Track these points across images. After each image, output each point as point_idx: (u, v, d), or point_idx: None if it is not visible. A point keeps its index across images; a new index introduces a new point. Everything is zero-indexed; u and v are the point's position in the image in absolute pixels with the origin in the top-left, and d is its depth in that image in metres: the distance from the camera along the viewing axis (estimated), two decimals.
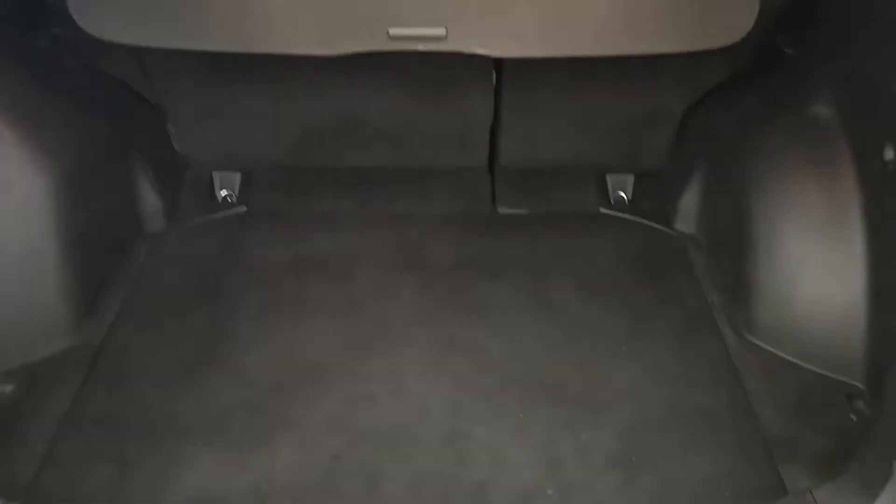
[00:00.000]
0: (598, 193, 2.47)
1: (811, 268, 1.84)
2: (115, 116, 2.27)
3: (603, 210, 2.42)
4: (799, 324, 1.85)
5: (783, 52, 2.15)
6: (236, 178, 2.48)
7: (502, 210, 2.44)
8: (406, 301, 2.07)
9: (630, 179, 2.47)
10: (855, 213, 1.77)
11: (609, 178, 2.48)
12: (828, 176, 1.84)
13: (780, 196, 1.91)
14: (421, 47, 1.92)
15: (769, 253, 1.90)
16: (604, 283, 2.13)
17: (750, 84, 2.24)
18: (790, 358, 1.86)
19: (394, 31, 1.90)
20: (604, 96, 2.38)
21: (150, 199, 2.29)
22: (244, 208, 2.41)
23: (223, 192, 2.46)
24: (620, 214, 2.40)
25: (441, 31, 1.90)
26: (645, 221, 2.36)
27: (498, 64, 2.29)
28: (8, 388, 1.77)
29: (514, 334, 1.97)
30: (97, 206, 2.05)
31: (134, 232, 2.25)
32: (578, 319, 2.01)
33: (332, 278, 2.14)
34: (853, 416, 1.71)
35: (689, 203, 2.29)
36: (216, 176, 2.46)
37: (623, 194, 2.46)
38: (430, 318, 2.02)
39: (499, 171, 2.54)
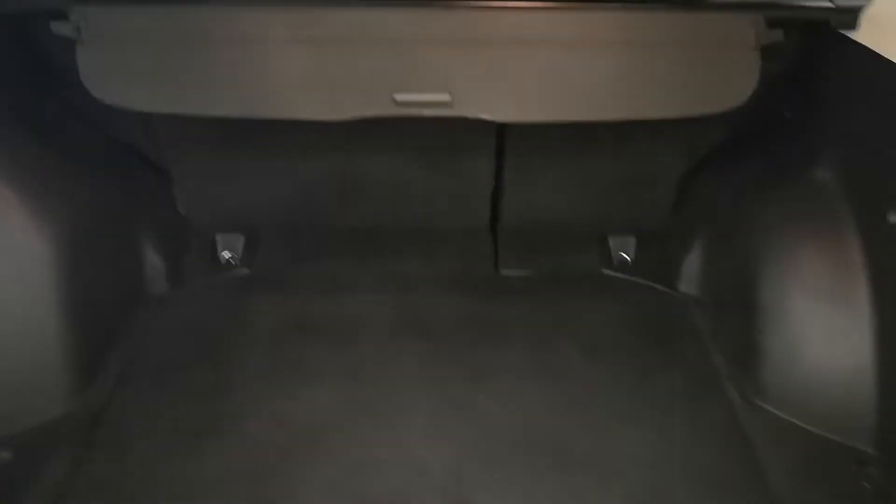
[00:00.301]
0: (601, 254, 2.47)
1: (818, 332, 1.83)
2: (120, 180, 2.29)
3: (605, 271, 2.42)
4: (807, 388, 1.84)
5: (782, 116, 2.17)
6: (239, 239, 2.47)
7: (504, 271, 2.43)
8: (408, 365, 2.06)
9: (632, 240, 2.47)
10: (861, 278, 1.77)
11: (611, 240, 2.48)
12: (832, 241, 1.84)
13: (786, 261, 1.91)
14: (426, 113, 1.94)
15: (776, 317, 1.89)
16: (608, 346, 2.12)
17: (750, 147, 2.27)
18: (799, 422, 1.84)
19: (399, 96, 1.92)
20: (605, 158, 2.39)
21: (153, 263, 2.29)
22: (247, 271, 2.41)
23: (226, 255, 2.45)
24: (623, 276, 2.40)
25: (446, 97, 1.92)
26: (648, 283, 2.35)
27: (500, 125, 2.31)
28: (4, 455, 1.74)
29: (517, 398, 1.95)
30: (100, 270, 2.05)
31: (136, 295, 2.24)
32: (583, 383, 2.00)
33: (333, 341, 2.13)
34: (866, 484, 1.68)
35: (692, 265, 2.29)
36: (219, 238, 2.47)
37: (625, 255, 2.46)
38: (433, 382, 2.00)
39: (501, 231, 2.54)
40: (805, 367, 1.84)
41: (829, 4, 1.87)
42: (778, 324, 1.89)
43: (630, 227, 2.49)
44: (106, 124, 2.25)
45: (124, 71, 1.94)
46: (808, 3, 1.93)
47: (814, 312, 1.85)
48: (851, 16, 1.86)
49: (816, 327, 1.84)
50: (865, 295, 1.76)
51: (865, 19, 1.87)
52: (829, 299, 1.82)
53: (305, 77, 1.93)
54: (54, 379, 1.88)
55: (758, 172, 2.19)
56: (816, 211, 1.91)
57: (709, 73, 1.94)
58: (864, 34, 1.87)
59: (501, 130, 2.33)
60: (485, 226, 2.55)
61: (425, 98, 1.93)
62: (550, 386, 1.98)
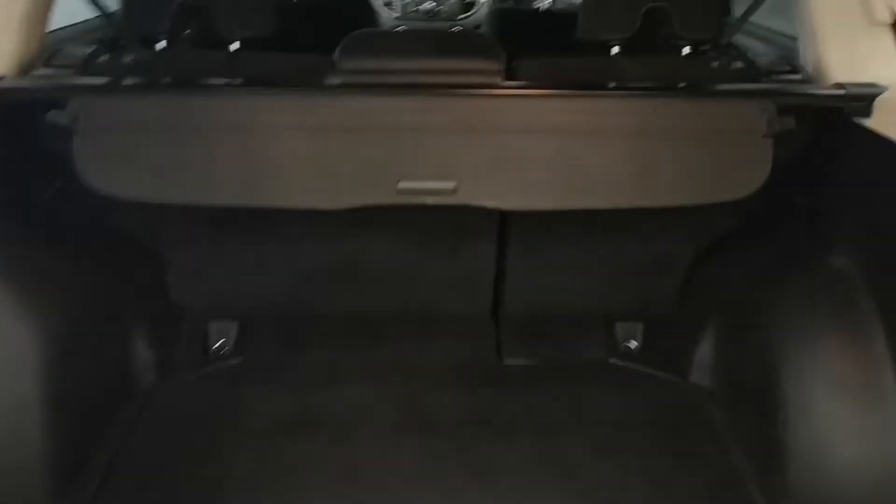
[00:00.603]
0: (607, 341, 2.38)
1: (846, 430, 1.74)
2: (112, 269, 2.20)
3: (612, 360, 2.33)
4: (836, 489, 1.73)
5: (794, 202, 2.12)
6: (233, 327, 2.38)
7: (508, 360, 2.34)
8: (408, 463, 1.95)
9: (639, 328, 2.40)
10: (888, 371, 1.69)
11: (617, 326, 2.40)
12: (856, 333, 1.76)
13: (808, 354, 1.83)
14: (430, 201, 1.88)
15: (801, 415, 1.80)
16: (619, 442, 2.01)
17: (761, 232, 2.20)
18: None
19: (402, 184, 1.86)
20: (611, 243, 2.33)
21: (142, 355, 2.19)
22: (239, 360, 2.31)
23: (218, 343, 2.36)
24: (631, 365, 2.31)
25: (450, 185, 1.86)
26: (657, 373, 2.26)
27: (503, 210, 2.25)
28: None
29: (524, 500, 1.84)
30: (87, 365, 1.95)
31: (124, 389, 2.13)
32: (594, 483, 1.89)
33: (330, 437, 2.02)
34: None
35: (704, 354, 2.20)
36: (212, 326, 2.37)
37: (633, 343, 2.38)
38: (434, 482, 1.89)
39: (503, 318, 2.45)
40: (833, 466, 1.74)
41: (842, 92, 1.83)
42: (803, 420, 1.79)
43: (637, 313, 2.41)
44: (101, 211, 2.18)
45: (121, 161, 1.88)
46: (820, 91, 1.89)
47: (840, 408, 1.75)
48: (865, 103, 1.82)
49: (844, 424, 1.74)
50: (894, 390, 1.68)
51: (879, 106, 1.83)
52: (856, 394, 1.74)
53: (306, 165, 1.88)
54: (34, 480, 1.75)
55: (771, 260, 2.12)
56: (837, 301, 1.83)
57: (720, 162, 1.89)
58: (878, 121, 1.83)
59: (504, 214, 2.27)
60: (487, 312, 2.47)
61: (429, 186, 1.88)
62: (560, 486, 1.87)
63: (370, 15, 3.42)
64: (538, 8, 4.28)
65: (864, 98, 1.82)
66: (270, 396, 2.17)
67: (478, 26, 4.22)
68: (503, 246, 2.32)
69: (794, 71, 2.00)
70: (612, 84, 1.96)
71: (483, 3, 4.30)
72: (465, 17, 4.33)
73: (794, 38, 2.10)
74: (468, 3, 4.35)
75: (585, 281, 2.40)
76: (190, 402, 2.16)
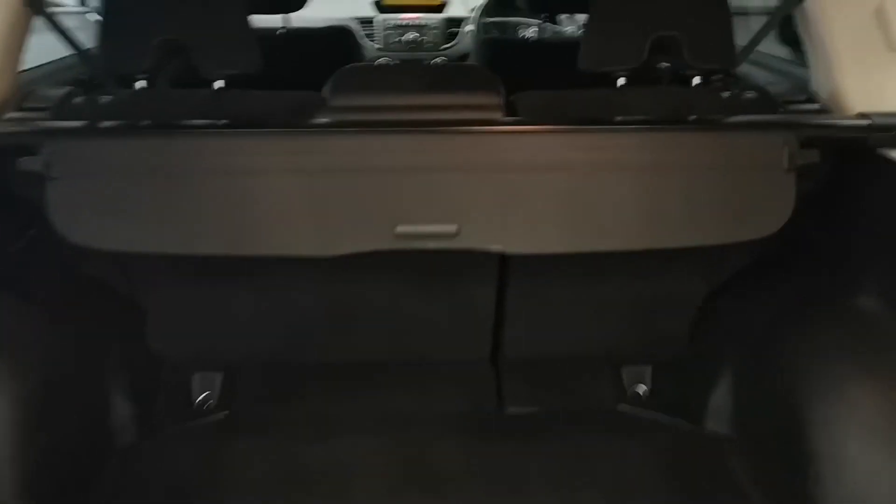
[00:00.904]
0: (614, 386, 2.26)
1: (883, 483, 1.62)
2: (88, 321, 2.06)
3: (621, 406, 2.21)
4: None
5: (813, 237, 2.02)
6: (217, 378, 2.24)
7: (510, 409, 2.21)
8: None
9: (647, 371, 2.28)
10: None
11: (625, 370, 2.28)
12: (888, 377, 1.65)
13: (837, 400, 1.71)
14: (431, 246, 1.77)
15: (834, 468, 1.68)
16: (633, 497, 1.89)
17: (778, 269, 2.10)
18: None
19: (401, 228, 1.75)
20: (616, 281, 2.21)
21: (121, 410, 2.04)
22: (225, 413, 2.17)
23: (202, 396, 2.22)
24: (642, 412, 2.19)
25: (452, 228, 1.75)
26: (670, 419, 2.14)
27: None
28: None
29: None
30: (63, 425, 1.81)
31: (101, 449, 1.98)
32: None
33: (324, 496, 1.88)
34: None
35: (721, 400, 2.07)
36: (195, 377, 2.23)
37: (642, 387, 2.26)
38: None
39: (503, 363, 2.33)
40: None
41: (867, 122, 1.74)
42: (836, 474, 1.67)
43: (645, 356, 2.29)
44: (76, 261, 2.05)
45: (98, 209, 1.76)
46: (843, 122, 1.80)
47: (875, 459, 1.63)
48: (892, 134, 1.72)
49: (880, 476, 1.62)
50: None
51: None
52: (891, 443, 1.62)
53: (297, 210, 1.76)
54: None
55: (791, 299, 2.00)
56: (865, 343, 1.73)
57: (739, 199, 1.79)
58: None
59: (504, 254, 2.16)
60: (486, 357, 2.34)
61: (429, 230, 1.76)
62: None
63: (356, 48, 3.32)
64: (528, 38, 4.20)
65: (891, 128, 1.73)
66: (259, 453, 2.02)
67: (463, 56, 4.14)
68: (503, 286, 2.20)
69: (811, 100, 1.91)
70: (620, 117, 1.85)
71: (466, 33, 4.22)
72: (449, 47, 4.25)
73: (796, 64, 2.02)
74: (451, 32, 4.27)
75: (589, 322, 2.28)
76: (173, 461, 2.01)
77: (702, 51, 1.85)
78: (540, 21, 4.21)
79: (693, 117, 1.85)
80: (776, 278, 2.09)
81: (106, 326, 2.13)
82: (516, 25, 4.34)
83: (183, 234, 1.78)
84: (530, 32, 4.29)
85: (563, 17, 4.20)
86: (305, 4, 2.98)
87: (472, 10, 4.27)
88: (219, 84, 1.90)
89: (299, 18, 3.30)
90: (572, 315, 2.28)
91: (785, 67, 2.38)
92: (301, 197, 1.76)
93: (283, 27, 3.11)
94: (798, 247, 2.04)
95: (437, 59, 4.23)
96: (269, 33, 3.27)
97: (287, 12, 3.04)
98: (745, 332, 2.09)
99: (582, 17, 4.17)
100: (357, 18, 4.24)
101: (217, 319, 2.23)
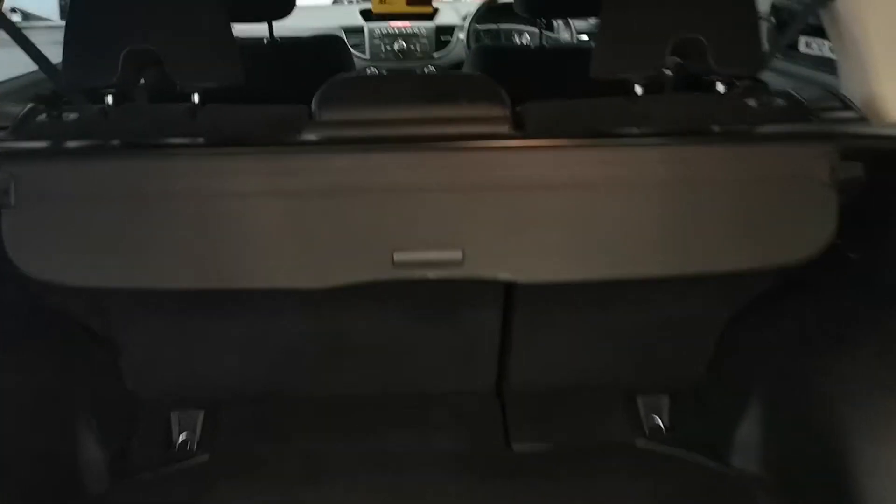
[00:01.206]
0: (629, 419, 2.08)
1: None
2: (57, 357, 1.89)
3: (638, 441, 2.04)
4: None
5: (846, 255, 1.85)
6: (198, 416, 2.06)
7: (517, 446, 2.04)
8: None
9: (665, 402, 2.11)
10: None
11: (640, 401, 2.11)
12: None
13: (885, 438, 1.55)
14: (432, 275, 1.60)
15: None
16: None
17: (808, 289, 1.93)
18: None
19: (399, 256, 1.57)
20: (631, 305, 2.04)
21: (93, 455, 1.86)
22: (207, 456, 1.99)
23: (182, 437, 2.03)
24: (660, 447, 2.02)
25: (456, 255, 1.58)
26: (691, 456, 1.97)
27: None
28: None
29: None
30: (31, 472, 1.65)
31: (71, 498, 1.80)
32: None
33: None
34: None
35: (748, 434, 1.90)
36: (174, 416, 2.05)
37: (659, 420, 2.09)
38: None
39: (509, 395, 2.15)
40: None
41: None
42: None
43: (663, 385, 2.12)
44: (41, 294, 1.86)
45: (61, 240, 1.58)
46: (889, 132, 1.63)
47: None
48: None
49: None
50: None
51: None
52: None
53: (283, 238, 1.59)
54: None
55: (825, 322, 1.84)
56: None
57: (774, 219, 1.62)
58: None
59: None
60: (490, 389, 2.16)
61: (431, 257, 1.59)
62: None
63: (348, 58, 3.14)
64: (525, 45, 4.03)
65: None
66: (245, 496, 1.86)
67: (456, 65, 3.98)
68: (508, 312, 2.03)
69: (846, 107, 1.75)
70: (640, 129, 1.69)
71: (459, 41, 4.06)
72: (442, 56, 4.09)
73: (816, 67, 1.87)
74: (443, 40, 4.11)
75: (602, 349, 2.11)
76: None
77: (727, 54, 1.68)
78: (534, 28, 4.06)
79: (720, 128, 1.68)
80: (807, 300, 1.92)
81: (75, 363, 1.95)
82: (510, 32, 4.19)
83: (156, 266, 1.61)
84: (525, 39, 4.14)
85: (559, 23, 4.05)
86: (290, 13, 2.82)
87: (464, 17, 4.12)
88: (196, 98, 1.72)
89: (284, 28, 3.13)
90: (583, 342, 2.11)
91: (784, 68, 2.23)
92: (288, 223, 1.59)
93: (269, 36, 2.92)
94: (830, 266, 1.87)
95: (429, 68, 4.08)
96: (254, 43, 3.10)
97: (272, 20, 2.86)
98: (774, 359, 1.92)
99: (579, 24, 4.05)
100: (343, 28, 4.08)
101: (198, 353, 2.05)
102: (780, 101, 1.79)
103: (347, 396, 2.13)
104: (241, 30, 3.41)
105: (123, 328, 1.99)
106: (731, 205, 1.61)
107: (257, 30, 2.95)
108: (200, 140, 1.66)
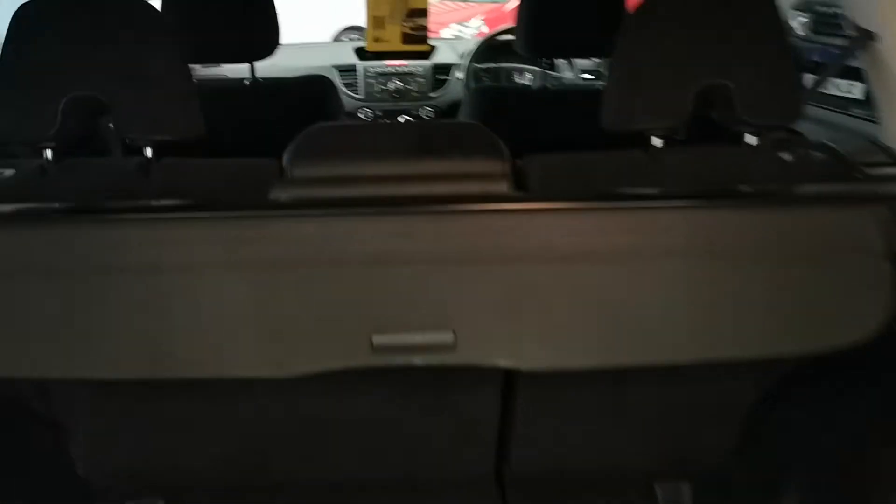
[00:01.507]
0: None
1: None
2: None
3: None
4: None
5: (891, 329, 1.62)
6: None
7: None
8: None
9: (685, 489, 1.88)
10: None
11: (658, 489, 1.88)
12: None
13: None
14: (419, 362, 1.37)
15: None
16: None
17: (851, 365, 1.69)
18: None
19: (379, 339, 1.34)
20: (647, 384, 1.81)
21: None
22: None
23: None
24: None
25: (447, 338, 1.35)
26: None
27: None
28: None
29: None
30: None
31: None
32: None
33: None
34: None
35: None
36: None
37: None
38: None
39: (510, 481, 1.91)
40: None
41: None
42: None
43: (682, 470, 1.89)
44: None
45: None
46: None
47: None
48: None
49: None
50: None
51: None
52: None
53: (244, 318, 1.36)
54: None
55: (867, 405, 1.60)
56: None
57: (819, 296, 1.39)
58: None
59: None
60: (490, 474, 1.92)
61: (418, 340, 1.36)
62: None
63: (335, 101, 2.92)
64: (527, 85, 3.83)
65: None
66: None
67: (453, 105, 3.77)
68: (508, 393, 1.79)
69: (894, 162, 1.52)
70: (660, 189, 1.46)
71: (458, 80, 3.86)
72: (438, 96, 3.89)
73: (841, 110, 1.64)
74: (439, 80, 3.91)
75: (614, 432, 1.87)
76: None
77: (759, 102, 1.46)
78: (536, 66, 3.86)
79: (753, 188, 1.46)
80: (848, 380, 1.68)
81: (21, 450, 1.72)
82: (510, 71, 3.99)
83: (98, 354, 1.38)
84: (526, 79, 3.94)
85: (562, 62, 3.85)
86: (272, 53, 2.59)
87: (462, 55, 3.92)
88: (149, 152, 1.50)
89: (275, 68, 2.92)
90: (594, 425, 1.87)
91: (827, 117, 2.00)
92: (248, 300, 1.36)
93: (250, 76, 2.69)
94: (877, 343, 1.64)
95: (426, 108, 3.88)
96: (232, 84, 2.89)
97: (253, 60, 2.64)
98: (809, 445, 1.68)
99: (583, 62, 3.85)
100: (336, 66, 3.89)
101: (157, 436, 1.82)
102: (818, 155, 1.57)
103: (327, 484, 1.89)
104: (228, 69, 3.24)
105: (71, 412, 1.76)
106: (767, 279, 1.38)
107: (244, 69, 2.73)
108: (152, 203, 1.43)
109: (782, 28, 1.51)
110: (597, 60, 3.74)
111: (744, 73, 1.46)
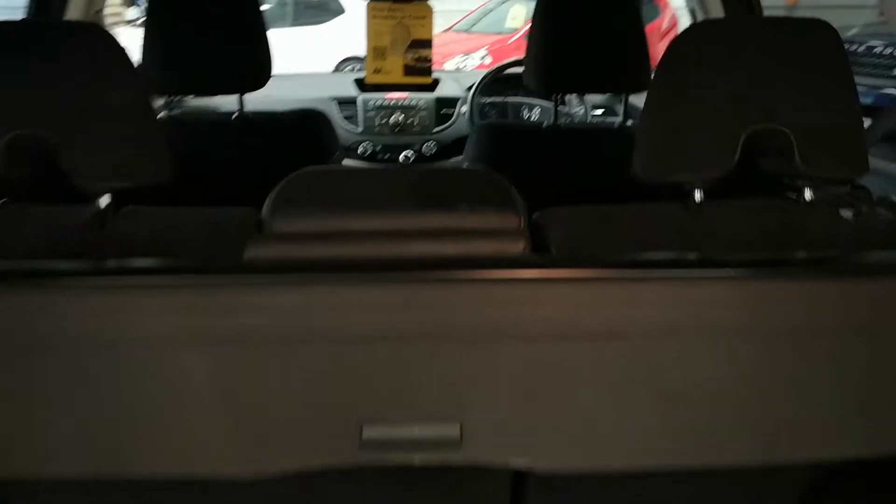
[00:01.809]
0: None
1: None
2: None
3: None
4: None
5: None
6: None
7: None
8: None
9: None
10: None
11: None
12: None
13: None
14: (418, 461, 1.14)
15: None
16: None
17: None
18: None
19: (370, 432, 1.12)
20: (679, 484, 1.56)
21: None
22: None
23: None
24: None
25: (452, 432, 1.13)
26: None
27: None
28: None
29: None
30: None
31: None
32: None
33: None
34: None
35: None
36: None
37: None
38: None
39: None
40: None
41: None
42: None
43: None
44: None
45: None
46: None
47: None
48: None
49: None
50: None
51: None
52: None
53: (210, 406, 1.13)
54: None
55: None
56: None
57: (873, 389, 1.16)
58: None
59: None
60: None
61: (417, 435, 1.13)
62: None
63: (330, 139, 2.70)
64: (539, 122, 3.61)
65: None
66: None
67: (458, 140, 3.55)
68: (519, 491, 1.56)
69: None
70: (703, 254, 1.24)
71: (462, 115, 3.65)
72: (441, 130, 3.68)
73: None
74: (444, 114, 3.71)
75: None
76: None
77: (821, 152, 1.24)
78: (545, 102, 3.66)
79: (814, 254, 1.24)
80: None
81: None
82: (518, 106, 3.79)
83: (37, 447, 1.15)
84: (534, 114, 3.73)
85: (572, 97, 3.64)
86: (264, 85, 2.38)
87: (467, 88, 3.72)
88: (105, 200, 1.29)
89: (269, 101, 2.71)
90: None
91: None
92: (215, 383, 1.13)
93: (238, 110, 2.47)
94: None
95: (428, 143, 3.66)
96: (217, 118, 2.67)
97: (243, 93, 2.42)
98: None
99: (594, 98, 3.66)
100: (335, 98, 3.69)
101: None
102: (883, 213, 1.35)
103: None
104: (222, 101, 3.03)
105: (20, 495, 1.52)
106: (834, 365, 1.16)
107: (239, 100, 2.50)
108: (102, 265, 1.21)
109: (845, 65, 1.29)
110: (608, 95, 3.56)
111: (802, 118, 1.24)
